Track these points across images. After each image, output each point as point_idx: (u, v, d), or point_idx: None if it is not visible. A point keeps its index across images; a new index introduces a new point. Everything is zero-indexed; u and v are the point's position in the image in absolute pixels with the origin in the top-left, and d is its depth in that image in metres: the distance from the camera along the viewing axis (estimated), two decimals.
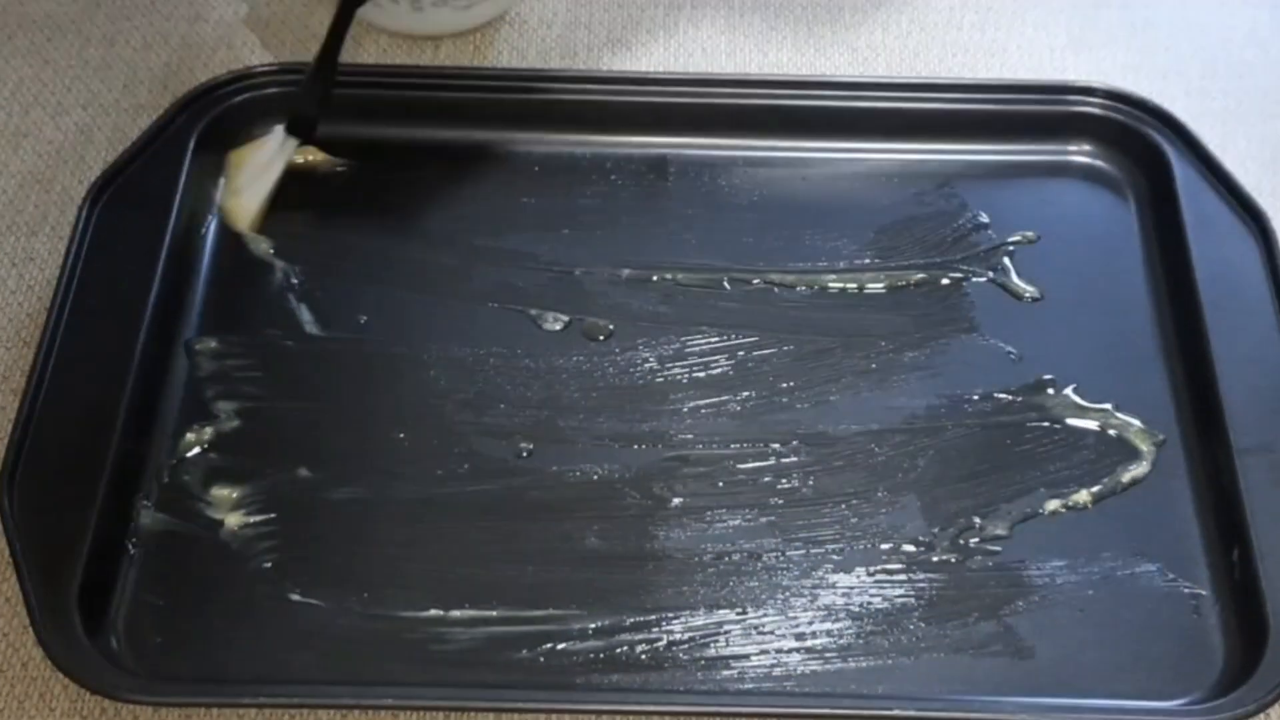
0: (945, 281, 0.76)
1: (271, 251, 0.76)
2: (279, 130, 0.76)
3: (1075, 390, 0.72)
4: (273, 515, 0.67)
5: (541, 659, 0.64)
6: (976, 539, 0.67)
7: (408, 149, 0.80)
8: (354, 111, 0.80)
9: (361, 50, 0.85)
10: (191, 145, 0.77)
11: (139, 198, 0.75)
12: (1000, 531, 0.68)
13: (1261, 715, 0.62)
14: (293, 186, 0.78)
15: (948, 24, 0.88)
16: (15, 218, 0.79)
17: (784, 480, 0.69)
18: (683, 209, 0.78)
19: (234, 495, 0.68)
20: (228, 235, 0.77)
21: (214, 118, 0.78)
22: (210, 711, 0.64)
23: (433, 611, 0.65)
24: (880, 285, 0.75)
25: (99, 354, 0.70)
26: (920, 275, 0.76)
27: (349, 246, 0.77)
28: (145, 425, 0.69)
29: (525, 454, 0.69)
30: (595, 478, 0.69)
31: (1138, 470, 0.69)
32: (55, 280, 0.73)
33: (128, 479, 0.68)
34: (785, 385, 0.72)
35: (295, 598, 0.65)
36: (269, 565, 0.66)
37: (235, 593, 0.65)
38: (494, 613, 0.65)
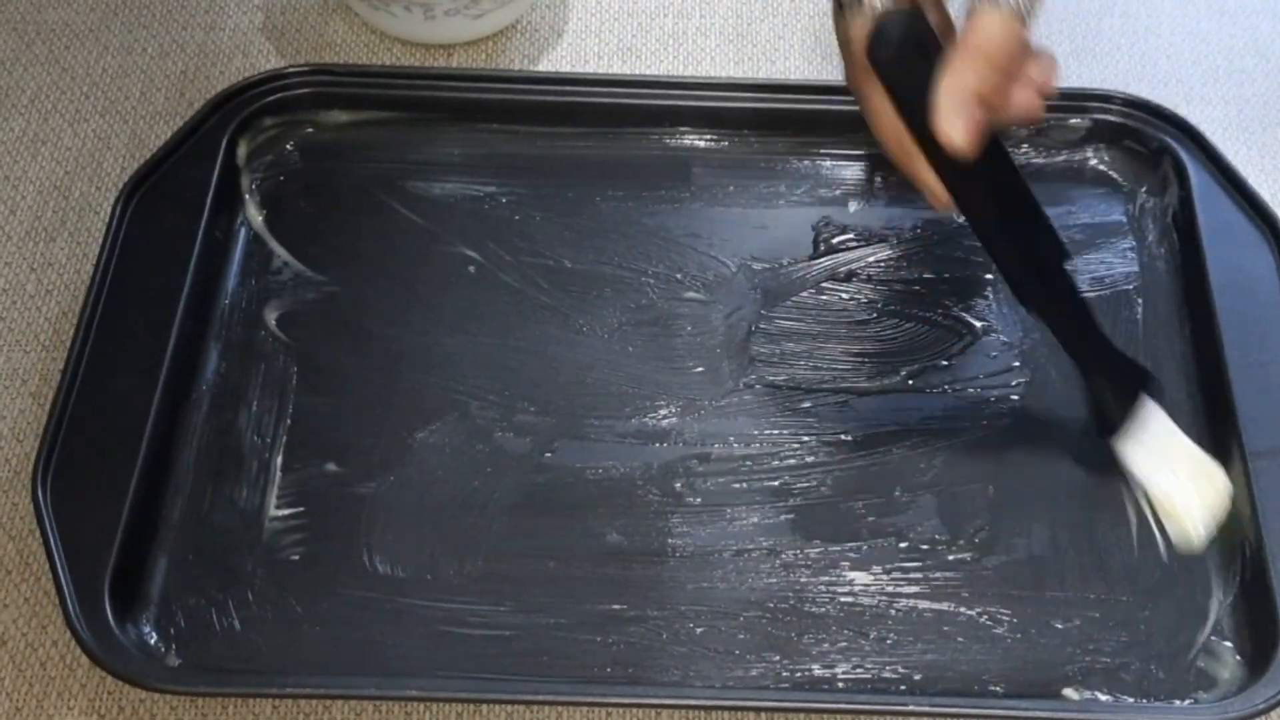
0: (963, 284, 0.76)
1: (295, 259, 0.77)
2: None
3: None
4: (301, 509, 0.68)
5: (562, 653, 0.64)
6: (991, 538, 0.68)
7: (435, 152, 0.80)
8: (377, 111, 0.81)
9: (375, 59, 0.86)
10: (223, 145, 0.77)
11: (171, 197, 0.75)
12: (1015, 530, 0.68)
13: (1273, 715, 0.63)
14: (318, 191, 0.79)
15: None
16: (34, 224, 0.79)
17: (803, 479, 0.70)
18: (704, 210, 0.79)
19: (263, 489, 0.68)
20: (257, 236, 0.77)
21: (245, 118, 0.78)
22: (235, 701, 0.65)
23: (456, 605, 0.65)
24: (899, 288, 0.76)
25: (132, 347, 0.70)
26: (938, 278, 0.77)
27: (374, 247, 0.77)
28: (177, 419, 0.70)
29: (549, 452, 0.70)
30: (617, 475, 0.69)
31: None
32: (76, 284, 0.74)
33: (159, 472, 0.68)
34: (803, 384, 0.73)
35: (322, 591, 0.66)
36: (296, 558, 0.67)
37: (263, 584, 0.66)
38: (516, 607, 0.65)
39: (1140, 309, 0.76)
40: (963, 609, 0.66)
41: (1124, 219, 0.79)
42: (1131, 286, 0.77)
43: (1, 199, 0.80)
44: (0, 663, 0.65)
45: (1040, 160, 0.81)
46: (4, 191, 0.80)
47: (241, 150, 0.78)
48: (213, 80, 0.84)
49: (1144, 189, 0.80)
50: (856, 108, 0.79)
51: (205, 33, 0.87)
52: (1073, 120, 0.80)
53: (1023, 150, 0.81)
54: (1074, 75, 0.86)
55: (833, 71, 0.85)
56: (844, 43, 0.66)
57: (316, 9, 0.88)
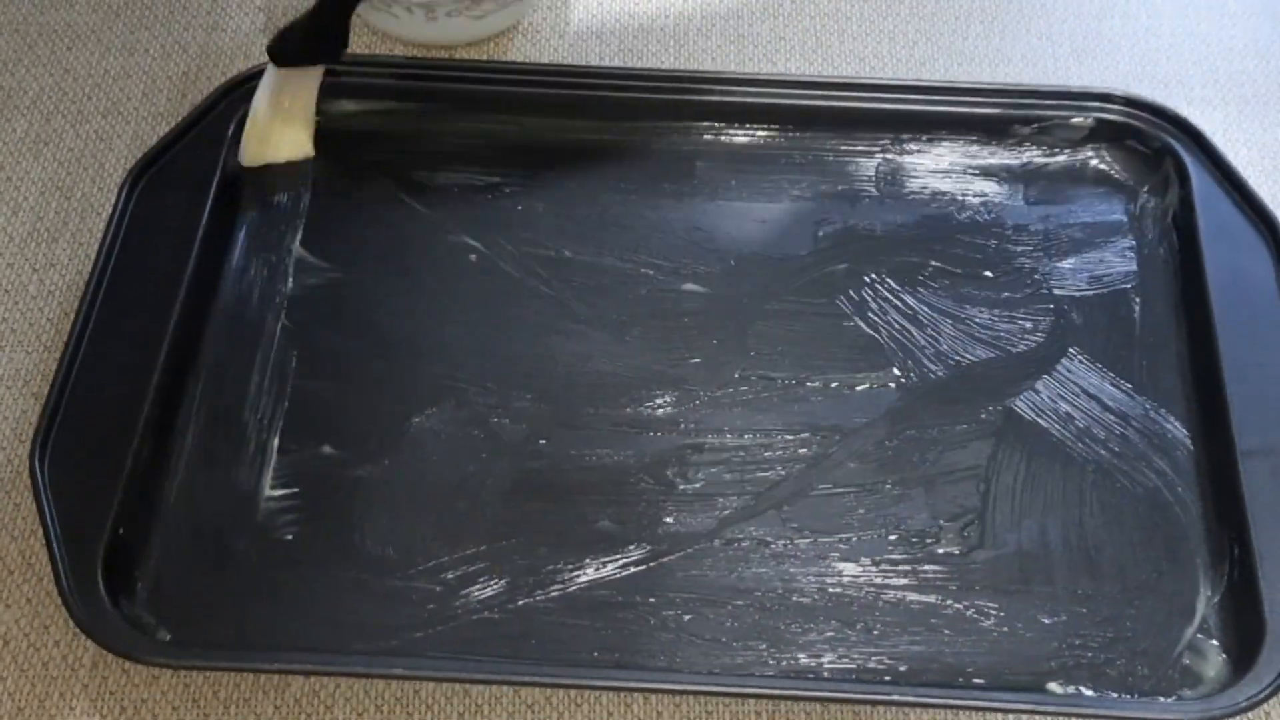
0: (962, 281, 0.77)
1: (300, 245, 0.77)
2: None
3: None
4: (296, 490, 0.69)
5: (551, 636, 0.65)
6: (981, 532, 0.68)
7: (439, 142, 0.81)
8: (383, 101, 0.82)
9: None
10: (229, 132, 0.78)
11: (177, 182, 0.76)
12: (1004, 525, 0.69)
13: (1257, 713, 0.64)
14: (323, 179, 0.80)
15: (954, 32, 0.89)
16: (36, 224, 0.80)
17: (795, 471, 0.70)
18: (706, 203, 0.79)
19: (260, 470, 0.69)
20: (261, 221, 0.78)
21: None
22: (228, 677, 0.66)
23: (447, 588, 0.66)
24: (897, 283, 0.77)
25: (134, 328, 0.71)
26: (936, 274, 0.77)
27: (376, 235, 0.78)
28: (175, 400, 0.71)
29: (544, 439, 0.70)
30: (611, 463, 0.70)
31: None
32: (78, 284, 0.76)
33: (156, 450, 0.69)
34: (799, 377, 0.73)
35: (314, 570, 0.66)
36: (290, 538, 0.67)
37: (257, 563, 0.67)
38: (507, 590, 0.66)
39: (1138, 308, 0.76)
40: (950, 602, 0.66)
41: (1124, 218, 0.79)
42: (1130, 285, 0.77)
43: (4, 199, 0.81)
44: (3, 662, 0.66)
45: (1041, 159, 0.81)
46: (6, 192, 0.81)
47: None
48: (215, 81, 0.84)
49: (1145, 189, 0.80)
50: (858, 104, 0.81)
51: (207, 33, 0.88)
52: (1074, 119, 0.81)
53: (1024, 148, 0.81)
54: (1074, 76, 0.87)
55: (833, 69, 0.87)
56: None
57: None
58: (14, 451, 0.72)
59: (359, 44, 0.87)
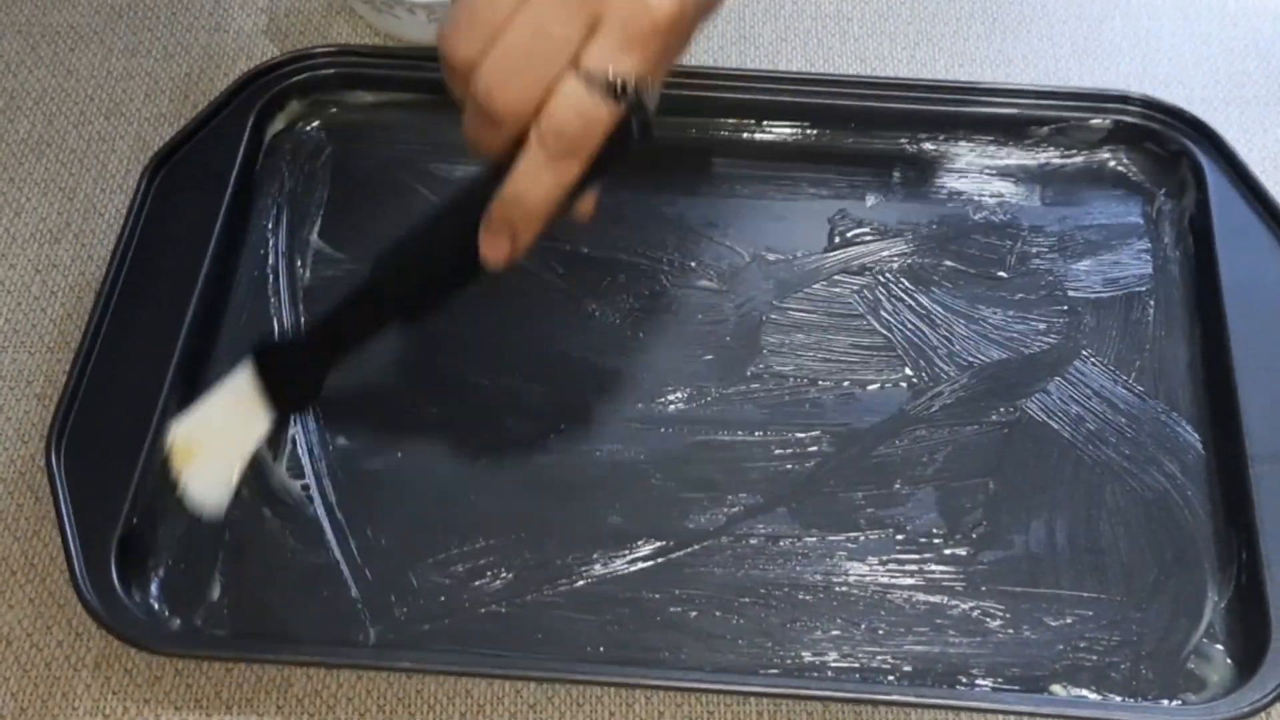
0: (976, 281, 0.77)
1: (317, 236, 0.78)
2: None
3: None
4: (309, 482, 0.69)
5: (556, 630, 0.66)
6: (989, 533, 0.69)
7: (458, 134, 0.80)
8: (401, 93, 0.82)
9: None
10: (249, 124, 0.78)
11: (196, 173, 0.76)
12: (1012, 526, 0.69)
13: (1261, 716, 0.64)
14: (341, 171, 0.80)
15: (955, 34, 0.88)
16: (39, 225, 0.80)
17: (804, 468, 0.70)
18: (721, 200, 0.80)
19: (272, 461, 0.70)
20: (279, 214, 0.78)
21: (272, 97, 0.80)
22: (231, 676, 0.66)
23: (456, 582, 0.67)
24: (911, 282, 0.77)
25: (150, 319, 0.71)
26: (950, 273, 0.77)
27: (394, 227, 0.76)
28: (190, 391, 0.71)
29: (555, 434, 0.71)
30: (621, 459, 0.70)
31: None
32: (81, 285, 0.76)
33: None
34: (811, 375, 0.73)
35: (325, 562, 0.67)
36: (302, 530, 0.68)
37: (269, 555, 0.67)
38: (514, 585, 0.67)
39: (1152, 311, 0.76)
40: (956, 602, 0.67)
41: (1140, 220, 0.79)
42: (1144, 288, 0.77)
43: (7, 200, 0.81)
44: (5, 663, 0.67)
45: (1058, 160, 0.81)
46: (10, 193, 0.81)
47: (267, 129, 0.80)
48: (217, 82, 0.84)
49: (1162, 191, 0.80)
50: (877, 103, 0.81)
51: (209, 35, 0.88)
52: (1093, 121, 0.81)
53: (1041, 149, 0.81)
54: (1075, 77, 0.87)
55: (846, 67, 0.87)
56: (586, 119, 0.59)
57: (320, 11, 0.89)
58: (17, 452, 0.72)
59: (366, 41, 0.87)
